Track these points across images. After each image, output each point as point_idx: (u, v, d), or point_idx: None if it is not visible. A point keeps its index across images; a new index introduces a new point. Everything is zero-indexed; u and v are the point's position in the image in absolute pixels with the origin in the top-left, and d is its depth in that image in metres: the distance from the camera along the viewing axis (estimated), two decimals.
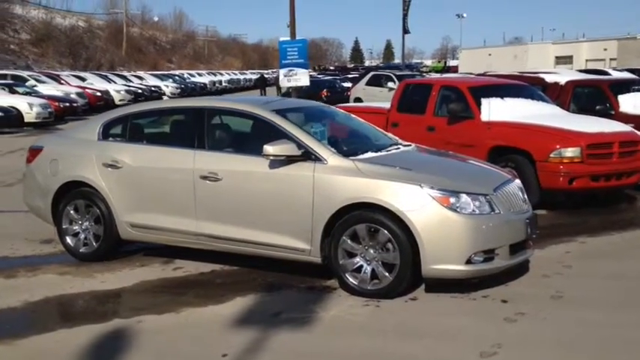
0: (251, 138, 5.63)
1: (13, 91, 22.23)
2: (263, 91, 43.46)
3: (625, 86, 10.67)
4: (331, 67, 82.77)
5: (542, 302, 4.71)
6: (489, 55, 61.99)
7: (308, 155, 5.09)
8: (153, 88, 35.13)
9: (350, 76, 35.19)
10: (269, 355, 3.92)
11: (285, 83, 22.08)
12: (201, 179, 5.40)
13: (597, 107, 9.95)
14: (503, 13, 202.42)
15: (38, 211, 6.34)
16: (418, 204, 4.71)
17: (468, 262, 4.70)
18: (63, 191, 6.06)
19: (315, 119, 5.90)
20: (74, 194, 6.01)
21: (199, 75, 50.11)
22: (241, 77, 57.92)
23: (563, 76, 11.46)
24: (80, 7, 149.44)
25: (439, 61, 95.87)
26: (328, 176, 4.98)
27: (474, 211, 4.75)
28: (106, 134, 6.06)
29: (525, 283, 5.19)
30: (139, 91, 32.41)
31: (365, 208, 4.85)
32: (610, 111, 9.85)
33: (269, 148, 5.03)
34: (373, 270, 4.87)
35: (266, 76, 48.93)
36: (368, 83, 23.59)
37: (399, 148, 5.76)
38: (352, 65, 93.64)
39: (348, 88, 26.06)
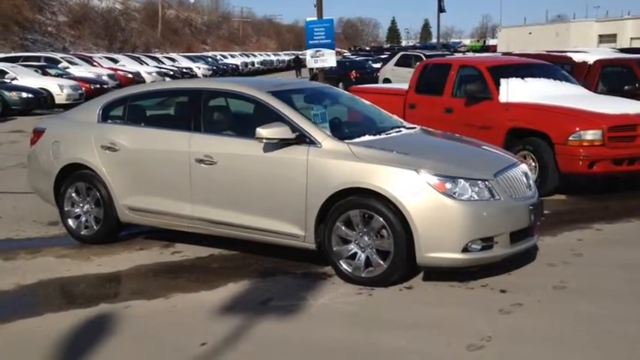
0: (247, 120, 5.50)
1: (45, 73, 22.55)
2: (298, 71, 43.28)
3: None
4: (367, 48, 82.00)
5: (543, 293, 4.49)
6: (529, 33, 60.30)
7: (302, 138, 4.94)
8: (184, 70, 35.24)
9: (382, 56, 34.67)
10: (248, 344, 3.81)
11: (311, 64, 21.87)
12: (197, 162, 5.30)
13: (626, 87, 9.54)
14: None
15: (41, 193, 6.35)
16: (413, 189, 4.52)
17: (465, 250, 4.51)
18: (65, 173, 6.04)
19: (316, 101, 5.72)
20: (75, 177, 5.99)
21: (232, 56, 50.06)
22: (274, 58, 57.66)
23: (591, 55, 11.01)
24: None
25: (478, 40, 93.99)
26: (322, 160, 4.82)
27: (472, 197, 4.54)
28: (105, 116, 6.01)
29: (529, 272, 4.97)
30: (171, 72, 32.55)
31: (359, 193, 4.68)
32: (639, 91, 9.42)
33: (262, 131, 4.89)
34: (367, 257, 4.72)
35: (301, 57, 48.64)
36: (397, 64, 23.20)
37: (400, 131, 5.55)
38: (388, 45, 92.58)
39: (378, 69, 25.67)
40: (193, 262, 5.49)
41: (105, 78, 25.32)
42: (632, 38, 50.78)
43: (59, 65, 25.58)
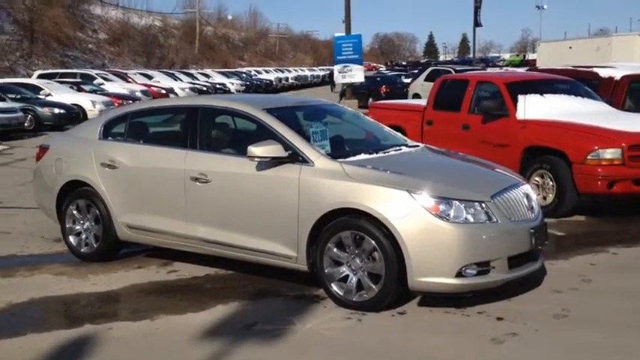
0: (242, 138, 5.40)
1: (80, 90, 23.01)
2: (333, 86, 43.32)
3: None
4: (403, 63, 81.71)
5: (542, 321, 4.25)
6: (570, 47, 59.05)
7: (295, 157, 4.82)
8: (218, 86, 35.57)
9: (415, 71, 34.42)
10: None
11: (339, 80, 21.87)
12: (192, 180, 5.23)
13: None
14: (587, 2, 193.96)
15: (45, 209, 6.37)
16: (405, 211, 4.34)
17: (459, 275, 4.30)
18: (66, 190, 6.05)
19: (316, 118, 5.61)
20: (76, 194, 5.99)
21: (266, 72, 50.38)
22: (309, 74, 57.79)
23: (619, 70, 10.61)
24: (159, 7, 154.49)
25: (517, 55, 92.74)
26: (314, 179, 4.69)
27: (467, 219, 4.34)
28: (106, 133, 6.00)
29: (532, 298, 4.73)
30: (204, 88, 32.89)
31: (351, 214, 4.53)
32: None
33: (254, 149, 4.79)
34: (359, 280, 4.55)
35: None
36: (427, 79, 22.90)
37: (400, 150, 5.38)
38: (425, 60, 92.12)
39: (408, 84, 25.45)
40: (188, 281, 5.40)
41: (138, 94, 25.68)
42: None
43: (94, 81, 26.09)
